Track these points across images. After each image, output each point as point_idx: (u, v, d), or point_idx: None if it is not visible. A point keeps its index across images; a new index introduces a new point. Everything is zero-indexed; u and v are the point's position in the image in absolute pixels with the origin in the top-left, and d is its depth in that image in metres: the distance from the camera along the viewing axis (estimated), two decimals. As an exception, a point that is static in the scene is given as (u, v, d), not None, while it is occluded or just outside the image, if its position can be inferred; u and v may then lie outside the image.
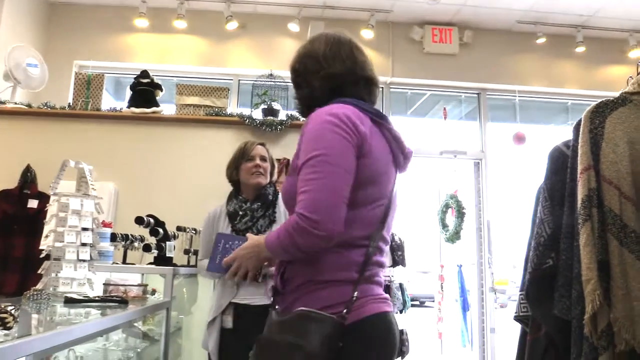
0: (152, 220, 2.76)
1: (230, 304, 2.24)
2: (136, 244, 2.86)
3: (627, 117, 1.43)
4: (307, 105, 1.39)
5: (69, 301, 1.81)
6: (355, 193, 1.22)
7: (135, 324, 2.40)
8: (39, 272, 2.05)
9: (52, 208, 2.10)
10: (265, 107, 3.72)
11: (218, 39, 4.96)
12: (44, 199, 3.16)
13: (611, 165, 1.39)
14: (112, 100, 5.02)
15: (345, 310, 1.16)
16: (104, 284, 2.19)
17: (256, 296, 2.22)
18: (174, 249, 2.85)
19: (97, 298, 1.92)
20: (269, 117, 3.64)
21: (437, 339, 5.18)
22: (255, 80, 4.04)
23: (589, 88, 5.20)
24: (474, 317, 4.82)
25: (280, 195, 2.39)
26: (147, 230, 2.75)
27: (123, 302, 1.93)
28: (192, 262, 3.03)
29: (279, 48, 4.95)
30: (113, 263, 2.66)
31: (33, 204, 3.20)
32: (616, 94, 1.50)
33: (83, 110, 3.57)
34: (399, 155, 1.36)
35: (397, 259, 3.53)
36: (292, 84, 1.48)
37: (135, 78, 3.65)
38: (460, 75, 5.13)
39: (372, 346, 1.20)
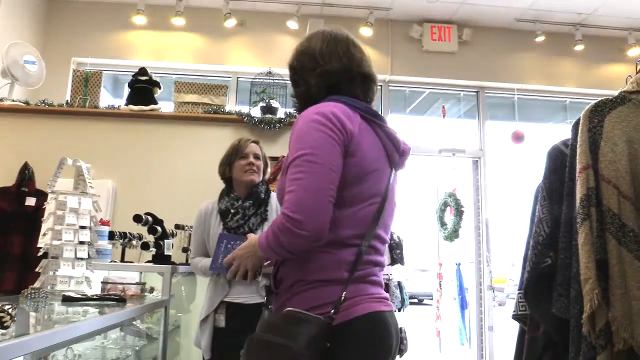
0: (150, 218, 2.75)
1: (223, 303, 2.23)
2: (134, 242, 2.86)
3: (626, 116, 1.43)
4: (304, 103, 1.39)
5: (67, 300, 1.81)
6: (343, 192, 1.22)
7: (134, 322, 2.39)
8: (36, 270, 2.05)
9: (49, 206, 2.10)
10: (264, 105, 3.71)
11: (216, 36, 4.95)
12: (41, 196, 3.15)
13: (610, 165, 1.38)
14: (110, 98, 5.00)
15: (332, 311, 1.15)
16: (102, 282, 2.19)
17: (249, 295, 2.22)
18: (172, 247, 2.85)
19: (95, 296, 1.92)
20: (267, 115, 3.63)
21: (435, 337, 5.19)
22: (254, 78, 4.03)
23: (588, 86, 5.20)
24: (472, 315, 4.83)
25: (272, 194, 2.40)
26: (146, 228, 2.75)
27: (121, 300, 1.93)
28: (191, 260, 3.03)
29: (277, 46, 4.94)
30: (111, 261, 2.66)
31: (31, 201, 3.19)
32: (615, 93, 1.49)
33: (81, 107, 3.56)
34: (394, 153, 1.35)
35: (396, 257, 3.52)
36: (290, 82, 1.47)
37: (133, 75, 3.64)
38: (459, 73, 5.13)
39: (362, 347, 1.18)
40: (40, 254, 2.06)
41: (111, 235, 2.70)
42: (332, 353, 1.13)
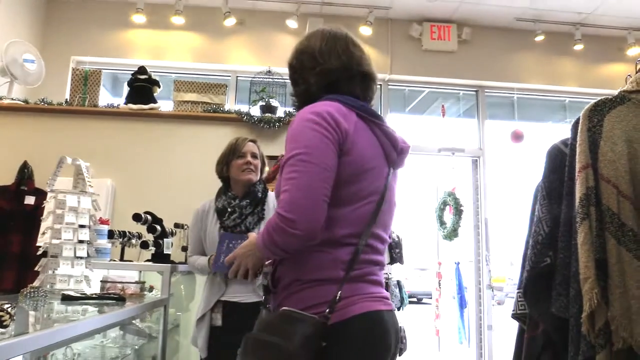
0: (149, 217, 2.75)
1: (220, 302, 2.23)
2: (134, 241, 2.86)
3: (625, 115, 1.43)
4: (303, 102, 1.38)
5: (66, 298, 1.81)
6: (339, 191, 1.22)
7: (133, 321, 2.39)
8: (35, 269, 2.05)
9: (49, 205, 2.10)
10: (263, 104, 3.71)
11: (216, 35, 4.95)
12: (41, 195, 3.14)
13: (609, 164, 1.38)
14: (110, 97, 5.00)
15: (327, 310, 1.16)
16: (101, 281, 2.19)
17: (245, 294, 2.22)
18: (171, 246, 2.85)
19: (94, 295, 1.92)
20: (266, 114, 3.63)
21: (434, 336, 5.19)
22: (253, 77, 4.03)
23: (587, 86, 5.20)
24: (471, 314, 4.83)
25: (269, 193, 2.40)
26: (145, 227, 2.75)
27: (120, 299, 1.93)
28: (190, 259, 3.03)
29: (277, 45, 4.93)
30: (110, 260, 2.66)
31: (30, 200, 3.19)
32: (614, 92, 1.50)
33: (80, 106, 3.55)
34: (392, 152, 1.34)
35: (395, 257, 3.52)
36: (289, 81, 1.47)
37: (132, 74, 3.64)
38: (458, 72, 5.13)
39: (359, 346, 1.18)
40: (39, 252, 2.05)
41: (110, 234, 2.70)
42: (328, 352, 1.13)
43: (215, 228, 2.31)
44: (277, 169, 3.28)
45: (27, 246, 3.03)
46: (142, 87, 3.59)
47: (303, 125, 1.23)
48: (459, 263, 4.90)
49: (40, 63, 3.73)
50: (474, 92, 5.33)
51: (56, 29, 4.78)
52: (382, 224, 1.32)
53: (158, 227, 2.75)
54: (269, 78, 3.97)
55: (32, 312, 1.60)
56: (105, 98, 4.32)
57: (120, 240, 2.79)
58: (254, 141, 2.43)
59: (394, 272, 3.58)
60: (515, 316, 1.69)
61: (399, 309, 3.50)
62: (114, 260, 2.71)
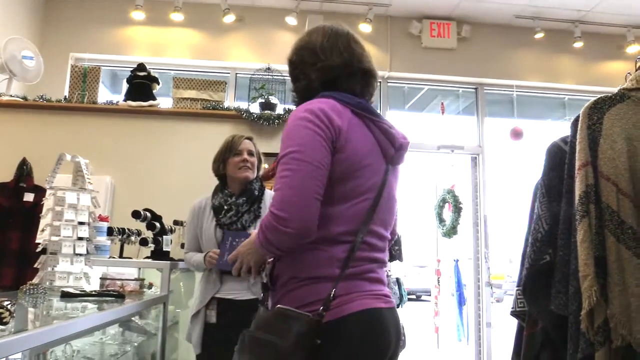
0: (148, 214, 2.75)
1: (214, 299, 2.24)
2: (133, 238, 2.86)
3: (625, 113, 1.43)
4: (303, 98, 1.38)
5: (66, 295, 1.80)
6: (334, 188, 1.22)
7: (132, 318, 2.40)
8: (35, 266, 2.05)
9: (48, 202, 2.09)
10: (263, 101, 3.70)
11: (215, 32, 4.93)
12: (40, 192, 3.14)
13: (609, 162, 1.39)
14: (109, 94, 4.99)
15: (322, 308, 1.15)
16: (100, 278, 2.19)
17: (240, 291, 2.22)
18: (170, 243, 2.84)
19: (93, 292, 1.92)
20: (266, 111, 3.62)
21: (433, 333, 5.21)
22: (253, 74, 4.02)
23: (587, 83, 5.20)
24: (470, 311, 4.84)
25: (266, 191, 2.40)
26: (144, 224, 2.75)
27: (120, 296, 1.93)
28: (189, 256, 3.03)
29: (276, 42, 4.92)
30: (110, 257, 2.66)
31: (29, 197, 3.19)
32: (614, 90, 1.49)
33: (79, 103, 3.55)
34: (389, 148, 1.33)
35: (394, 254, 3.52)
36: (289, 77, 1.47)
37: (131, 71, 3.63)
38: (458, 70, 5.12)
39: (355, 344, 1.17)
40: (38, 249, 2.05)
41: (110, 231, 2.70)
42: (323, 350, 1.13)
43: (212, 225, 2.31)
44: (276, 167, 3.28)
45: (26, 243, 3.03)
46: (141, 84, 3.58)
47: (296, 124, 1.24)
48: (458, 260, 4.91)
49: (39, 60, 3.73)
50: (474, 90, 5.32)
51: (55, 25, 4.77)
52: (380, 220, 1.31)
53: (157, 224, 2.74)
54: (268, 75, 3.96)
55: (31, 309, 1.60)
56: (104, 95, 4.32)
57: (120, 237, 2.79)
58: (250, 138, 2.42)
59: (393, 269, 3.59)
60: (514, 313, 1.69)
61: (398, 306, 3.50)
62: (113, 258, 2.71)
